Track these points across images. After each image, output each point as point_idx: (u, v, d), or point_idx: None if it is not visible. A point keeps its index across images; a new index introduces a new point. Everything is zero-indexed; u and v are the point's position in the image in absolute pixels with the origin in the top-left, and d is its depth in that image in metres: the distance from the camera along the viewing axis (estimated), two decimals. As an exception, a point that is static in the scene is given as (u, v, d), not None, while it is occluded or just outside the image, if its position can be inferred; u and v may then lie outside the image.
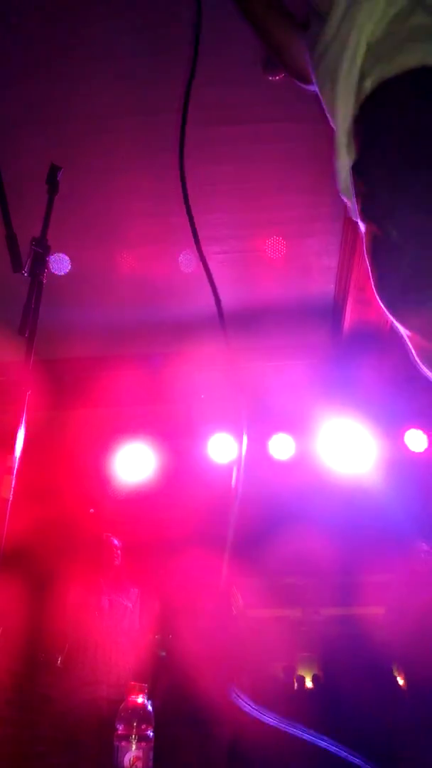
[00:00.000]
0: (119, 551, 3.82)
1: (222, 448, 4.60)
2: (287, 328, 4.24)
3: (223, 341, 1.54)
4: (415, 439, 4.48)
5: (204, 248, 1.72)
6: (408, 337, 1.04)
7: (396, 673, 4.94)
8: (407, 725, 3.87)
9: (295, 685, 7.52)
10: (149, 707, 1.69)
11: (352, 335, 4.29)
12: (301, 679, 7.73)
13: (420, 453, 4.45)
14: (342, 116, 1.20)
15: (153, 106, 2.96)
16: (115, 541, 3.85)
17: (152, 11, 2.59)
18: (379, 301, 1.06)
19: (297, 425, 4.60)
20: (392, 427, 4.47)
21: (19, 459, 1.46)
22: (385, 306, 1.05)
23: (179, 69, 2.84)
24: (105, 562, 3.74)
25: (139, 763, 1.59)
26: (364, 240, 1.12)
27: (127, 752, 1.59)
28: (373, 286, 1.08)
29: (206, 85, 2.87)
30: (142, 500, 4.54)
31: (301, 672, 7.84)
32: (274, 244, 3.76)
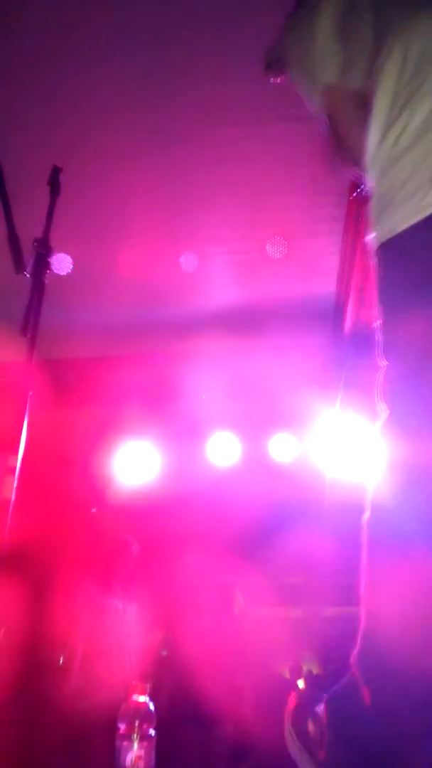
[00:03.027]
0: (135, 554, 3.82)
1: (223, 449, 4.60)
2: (288, 328, 4.24)
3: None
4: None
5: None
6: None
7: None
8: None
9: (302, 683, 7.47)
10: (151, 706, 1.69)
11: (354, 336, 4.29)
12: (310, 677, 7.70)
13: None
14: None
15: (155, 105, 2.96)
16: (134, 545, 3.84)
17: (155, 9, 2.59)
18: None
19: (299, 426, 4.60)
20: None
21: (21, 459, 1.47)
22: None
23: (182, 68, 2.85)
24: (120, 564, 3.75)
25: (141, 763, 1.59)
26: None
27: (128, 751, 1.60)
28: None
29: (208, 86, 2.89)
30: (143, 499, 4.54)
31: (306, 671, 7.80)
32: (276, 244, 3.76)
